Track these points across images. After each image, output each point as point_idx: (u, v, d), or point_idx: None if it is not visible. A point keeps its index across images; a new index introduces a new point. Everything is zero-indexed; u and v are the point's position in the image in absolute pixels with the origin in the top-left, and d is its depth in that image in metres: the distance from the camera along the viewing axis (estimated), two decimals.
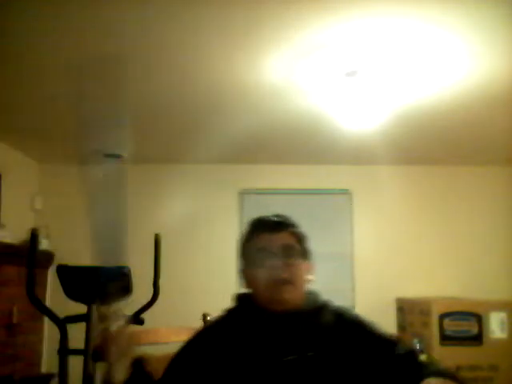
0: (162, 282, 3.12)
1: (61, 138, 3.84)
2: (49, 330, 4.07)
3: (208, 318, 1.38)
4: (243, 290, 1.34)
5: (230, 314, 1.32)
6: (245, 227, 1.38)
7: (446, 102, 3.00)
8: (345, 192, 4.45)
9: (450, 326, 3.45)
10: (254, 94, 2.92)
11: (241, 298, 1.34)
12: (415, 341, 3.40)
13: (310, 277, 1.32)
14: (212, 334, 1.28)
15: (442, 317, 3.46)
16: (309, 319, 1.25)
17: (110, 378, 1.09)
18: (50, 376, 3.77)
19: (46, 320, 3.95)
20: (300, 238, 1.34)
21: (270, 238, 1.28)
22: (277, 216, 1.36)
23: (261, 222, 1.35)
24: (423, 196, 4.43)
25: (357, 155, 4.13)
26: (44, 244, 3.99)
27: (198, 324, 1.59)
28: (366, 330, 1.29)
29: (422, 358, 3.30)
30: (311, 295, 1.33)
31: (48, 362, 4.10)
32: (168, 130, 3.61)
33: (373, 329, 1.30)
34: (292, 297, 1.25)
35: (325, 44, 2.32)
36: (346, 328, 1.27)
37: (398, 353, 1.23)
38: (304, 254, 1.32)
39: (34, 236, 2.69)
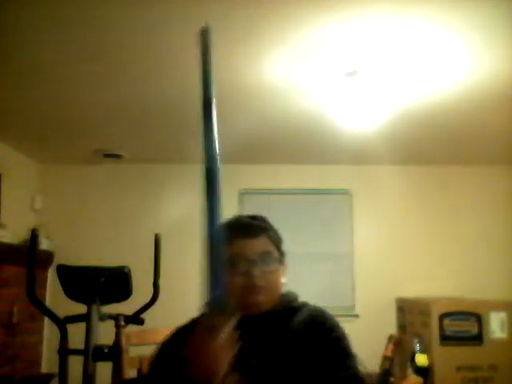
0: (162, 282, 3.12)
1: (60, 138, 3.84)
2: (49, 330, 4.07)
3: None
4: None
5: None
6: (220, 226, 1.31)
7: (446, 101, 3.00)
8: (345, 192, 4.45)
9: (450, 326, 3.44)
10: (254, 94, 2.92)
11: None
12: (415, 341, 3.40)
13: (284, 279, 1.29)
14: (185, 334, 1.23)
15: (442, 317, 3.45)
16: (275, 322, 1.23)
17: None
18: (49, 376, 3.77)
19: (46, 320, 3.96)
20: (277, 242, 1.31)
21: (248, 244, 1.26)
22: (253, 218, 1.33)
23: (238, 225, 1.31)
24: (423, 196, 4.43)
25: (357, 155, 4.13)
26: (44, 244, 3.99)
27: None
28: (330, 338, 1.24)
29: (423, 357, 3.31)
30: (285, 297, 1.30)
31: (48, 362, 4.10)
32: (168, 130, 3.61)
33: (335, 339, 1.24)
34: (266, 302, 1.23)
35: (325, 44, 2.32)
36: (311, 333, 1.23)
37: (342, 374, 1.18)
38: (280, 258, 1.30)
39: (33, 236, 2.69)
